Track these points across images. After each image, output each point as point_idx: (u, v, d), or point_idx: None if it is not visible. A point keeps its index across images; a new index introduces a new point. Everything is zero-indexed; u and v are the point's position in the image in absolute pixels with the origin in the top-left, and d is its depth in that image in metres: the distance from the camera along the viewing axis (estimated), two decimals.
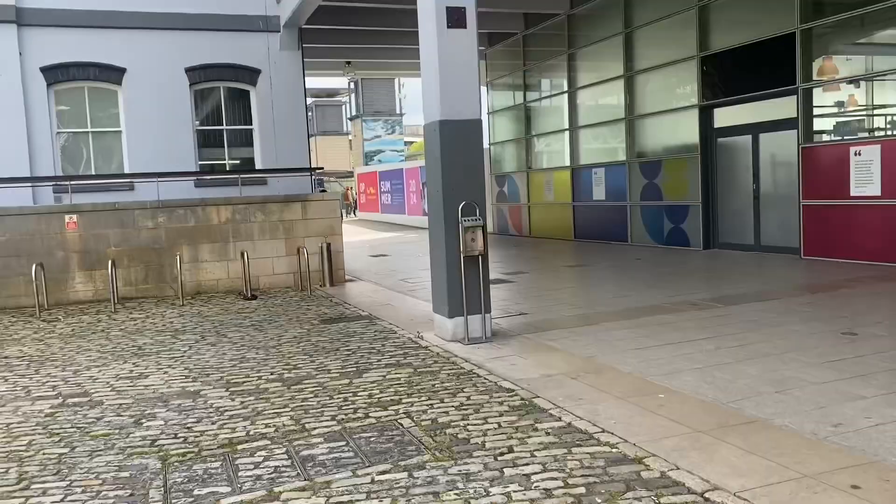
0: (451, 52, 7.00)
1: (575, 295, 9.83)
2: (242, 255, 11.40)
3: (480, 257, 7.15)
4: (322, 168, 15.09)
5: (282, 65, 14.74)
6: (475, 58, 7.13)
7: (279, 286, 12.08)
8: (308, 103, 53.63)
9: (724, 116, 13.57)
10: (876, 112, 10.93)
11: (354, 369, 6.23)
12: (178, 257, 11.21)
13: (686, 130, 14.24)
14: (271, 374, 6.25)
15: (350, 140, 55.85)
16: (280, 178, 14.47)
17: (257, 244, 11.95)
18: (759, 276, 10.36)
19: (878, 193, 10.43)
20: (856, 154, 10.71)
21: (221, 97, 14.86)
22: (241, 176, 13.58)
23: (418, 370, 6.08)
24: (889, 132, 10.75)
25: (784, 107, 12.18)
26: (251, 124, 14.92)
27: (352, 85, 51.61)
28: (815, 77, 11.56)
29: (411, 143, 62.36)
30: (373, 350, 7.00)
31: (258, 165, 14.80)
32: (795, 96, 11.66)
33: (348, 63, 23.69)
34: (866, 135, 10.95)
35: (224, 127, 14.94)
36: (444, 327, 7.27)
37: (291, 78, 14.85)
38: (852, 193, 10.82)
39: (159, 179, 12.30)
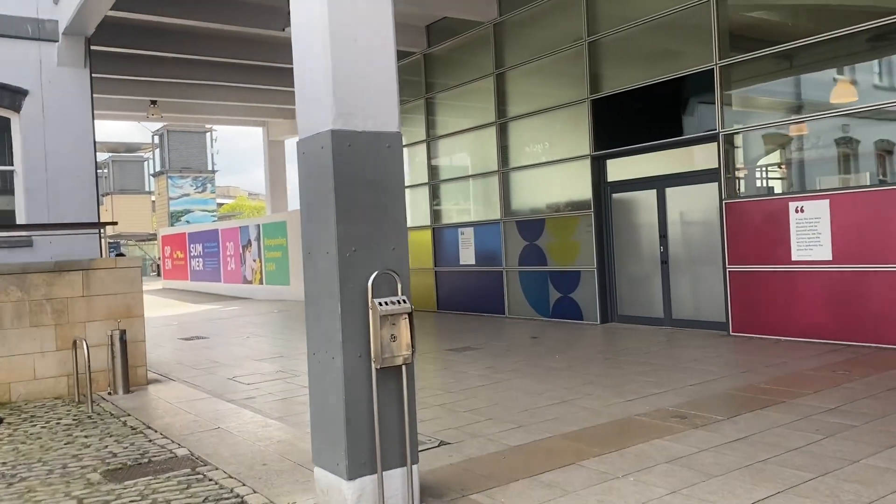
0: (352, 10, 4.09)
1: (492, 399, 7.00)
2: None
3: (405, 367, 4.14)
4: (115, 223, 11.21)
5: (60, 85, 10.89)
6: (391, 27, 4.25)
7: (44, 397, 8.13)
8: (104, 159, 47.61)
9: (621, 168, 11.67)
10: (818, 159, 9.35)
11: None
12: None
13: (575, 184, 12.19)
14: None
15: (153, 200, 50.04)
16: (54, 240, 10.50)
17: (9, 334, 7.98)
18: (715, 364, 8.16)
19: (829, 258, 8.73)
20: (797, 210, 9.01)
21: None
22: None
23: None
24: (839, 184, 9.21)
25: (699, 156, 10.43)
26: (11, 164, 10.83)
27: (156, 139, 46.40)
28: (738, 120, 9.90)
29: (223, 204, 57.46)
30: None
31: (21, 220, 10.69)
32: (717, 143, 9.91)
33: (153, 103, 19.79)
34: (811, 187, 9.34)
35: None
36: (335, 494, 4.11)
37: (74, 104, 11.02)
38: (794, 258, 9.06)
39: None
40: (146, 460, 5.49)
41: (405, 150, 16.24)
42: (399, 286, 4.15)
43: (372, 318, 4.00)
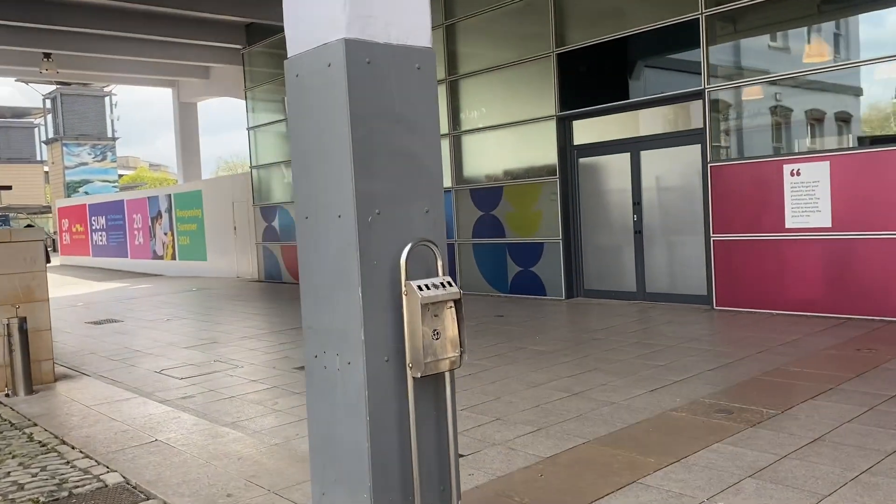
0: None
1: (490, 392, 5.95)
2: None
3: (448, 374, 3.01)
4: (9, 187, 9.41)
5: None
6: None
7: None
8: None
9: (590, 130, 10.75)
10: (818, 118, 8.64)
11: None
12: None
13: (538, 148, 11.20)
14: None
15: (46, 170, 46.10)
16: None
17: None
18: (720, 343, 7.37)
19: (828, 225, 8.08)
20: (793, 174, 8.31)
21: None
22: None
23: None
24: (841, 144, 8.54)
25: (681, 116, 9.61)
26: None
27: (48, 103, 42.55)
28: (726, 76, 9.10)
29: (123, 175, 53.77)
30: None
31: None
32: (702, 101, 9.09)
33: (47, 56, 17.52)
34: (808, 149, 8.64)
35: None
36: None
37: None
38: (789, 225, 8.38)
39: None
40: (65, 494, 4.16)
41: None
42: (439, 263, 3.01)
43: (407, 308, 2.85)
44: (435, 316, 2.89)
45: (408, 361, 2.87)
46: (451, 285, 2.94)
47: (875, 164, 7.74)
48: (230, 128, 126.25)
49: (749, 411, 4.92)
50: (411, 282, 2.85)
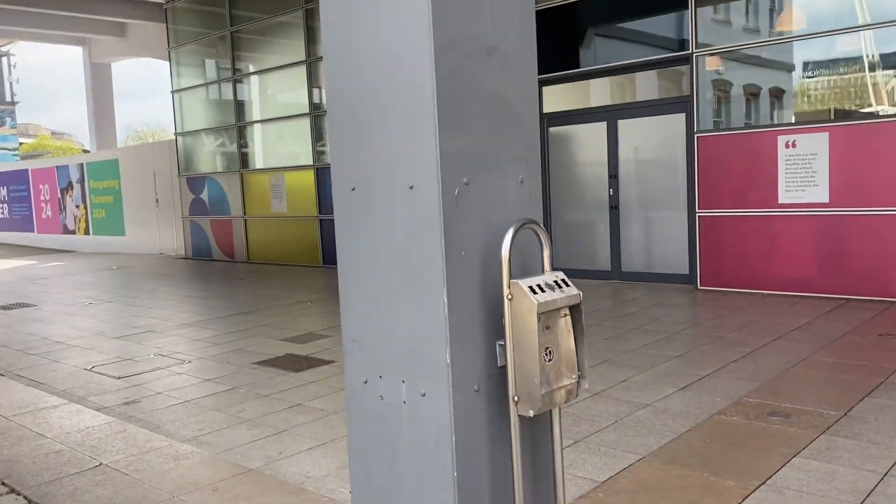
0: None
1: None
2: None
3: (556, 410, 2.18)
4: None
5: None
6: None
7: None
8: None
9: (561, 97, 10.03)
10: (817, 86, 8.11)
11: None
12: None
13: None
14: None
15: None
16: None
17: None
18: (728, 329, 6.82)
19: (825, 200, 7.63)
20: (788, 145, 7.82)
21: None
22: None
23: None
24: (841, 115, 8.07)
25: (664, 82, 8.99)
26: None
27: None
28: (717, 39, 8.49)
29: (23, 143, 50.00)
30: None
31: None
32: (690, 66, 8.48)
33: None
34: (806, 119, 8.12)
35: None
36: None
37: None
38: (782, 200, 7.90)
39: None
40: None
41: (277, 73, 13.60)
42: (545, 253, 2.18)
43: (514, 318, 2.01)
44: (547, 328, 2.07)
45: (512, 394, 2.04)
46: (567, 285, 2.12)
47: (879, 135, 7.30)
48: (142, 95, 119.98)
49: (806, 413, 4.32)
50: (519, 281, 2.01)
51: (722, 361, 5.55)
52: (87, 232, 20.19)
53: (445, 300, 1.99)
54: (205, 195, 15.42)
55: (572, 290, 2.10)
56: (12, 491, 3.86)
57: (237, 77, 14.35)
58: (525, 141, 2.25)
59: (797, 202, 7.78)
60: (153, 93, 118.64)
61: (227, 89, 14.69)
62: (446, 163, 1.97)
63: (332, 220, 12.80)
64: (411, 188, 2.02)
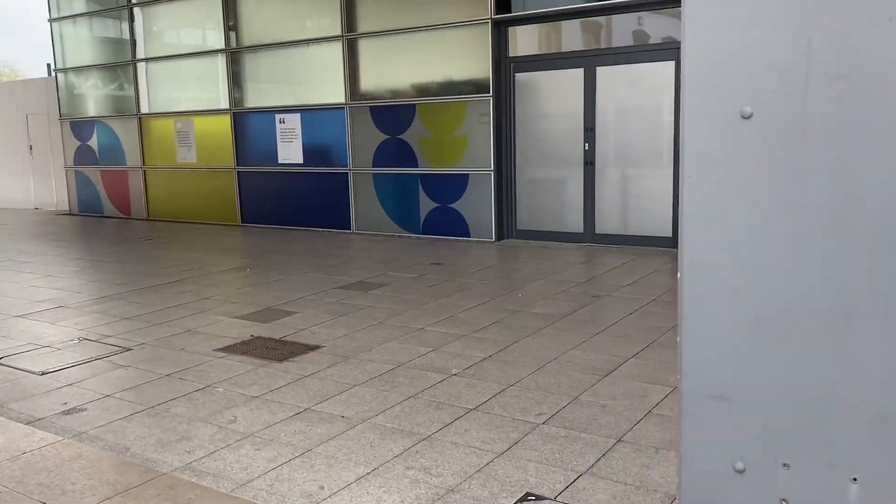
0: None
1: (587, 400, 4.28)
2: None
3: None
4: None
5: None
6: None
7: None
8: None
9: (531, 39, 9.07)
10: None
11: None
12: None
13: (465, 59, 9.32)
14: None
15: None
16: None
17: None
18: None
19: None
20: None
21: None
22: None
23: None
24: None
25: (652, 25, 8.22)
26: None
27: None
28: None
29: None
30: None
31: None
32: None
33: None
34: None
35: None
36: None
37: None
38: None
39: None
40: None
41: (206, 12, 11.77)
42: None
43: None
44: None
45: None
46: None
47: None
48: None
49: None
50: None
51: None
52: None
53: None
54: (93, 142, 13.39)
55: None
56: None
57: (135, 3, 12.38)
58: None
59: None
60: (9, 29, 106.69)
61: (123, 19, 12.67)
62: None
63: (254, 172, 11.45)
64: None
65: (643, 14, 8.24)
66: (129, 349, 5.21)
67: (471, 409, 3.91)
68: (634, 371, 4.41)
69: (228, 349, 5.15)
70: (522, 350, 4.90)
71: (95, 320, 6.03)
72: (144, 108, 12.60)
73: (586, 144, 8.64)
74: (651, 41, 8.27)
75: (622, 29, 8.37)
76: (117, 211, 13.29)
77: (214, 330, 5.66)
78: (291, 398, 4.17)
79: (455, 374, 4.46)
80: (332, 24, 10.19)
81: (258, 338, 5.41)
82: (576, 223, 8.87)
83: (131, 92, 12.69)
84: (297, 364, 4.77)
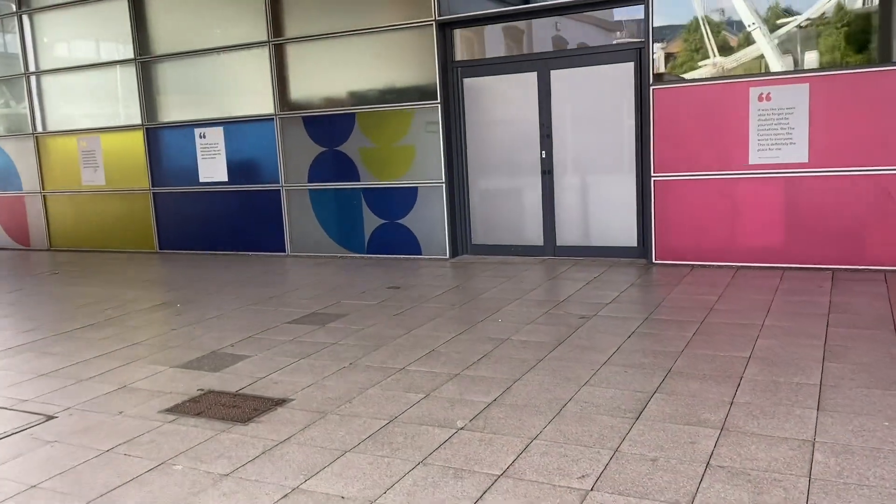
0: None
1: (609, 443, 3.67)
2: None
3: None
4: None
5: None
6: None
7: None
8: None
9: (478, 41, 8.50)
10: (793, 32, 7.20)
11: None
12: None
13: (409, 63, 8.66)
14: None
15: None
16: None
17: None
18: (752, 316, 5.78)
19: (804, 160, 6.90)
20: (761, 98, 6.97)
21: None
22: None
23: None
24: (825, 63, 7.26)
25: (611, 26, 7.80)
26: None
27: None
28: None
29: None
30: None
31: None
32: (644, 6, 7.33)
33: None
34: (783, 68, 7.24)
35: None
36: None
37: None
38: (753, 161, 7.08)
39: None
40: None
41: (92, 6, 10.60)
42: None
43: None
44: None
45: None
46: None
47: (869, 85, 6.64)
48: None
49: None
50: None
51: (807, 361, 4.47)
52: None
53: None
54: None
55: None
56: None
57: (25, 11, 11.10)
58: None
59: (771, 163, 6.98)
60: None
61: (12, 28, 11.36)
62: None
63: (173, 193, 10.32)
64: None
65: (599, 13, 7.82)
66: (53, 416, 4.28)
67: (498, 476, 3.25)
68: (666, 410, 3.86)
69: (177, 409, 4.30)
70: (528, 390, 4.28)
71: (4, 380, 5.02)
72: (41, 127, 11.31)
73: (543, 152, 8.14)
74: (613, 42, 7.85)
75: (578, 30, 7.92)
76: (13, 241, 11.90)
77: (154, 384, 4.78)
78: (271, 475, 3.39)
79: (462, 428, 3.79)
80: (257, 28, 9.32)
81: (210, 392, 4.57)
82: (535, 236, 8.35)
83: (24, 109, 11.37)
84: (267, 425, 3.98)
